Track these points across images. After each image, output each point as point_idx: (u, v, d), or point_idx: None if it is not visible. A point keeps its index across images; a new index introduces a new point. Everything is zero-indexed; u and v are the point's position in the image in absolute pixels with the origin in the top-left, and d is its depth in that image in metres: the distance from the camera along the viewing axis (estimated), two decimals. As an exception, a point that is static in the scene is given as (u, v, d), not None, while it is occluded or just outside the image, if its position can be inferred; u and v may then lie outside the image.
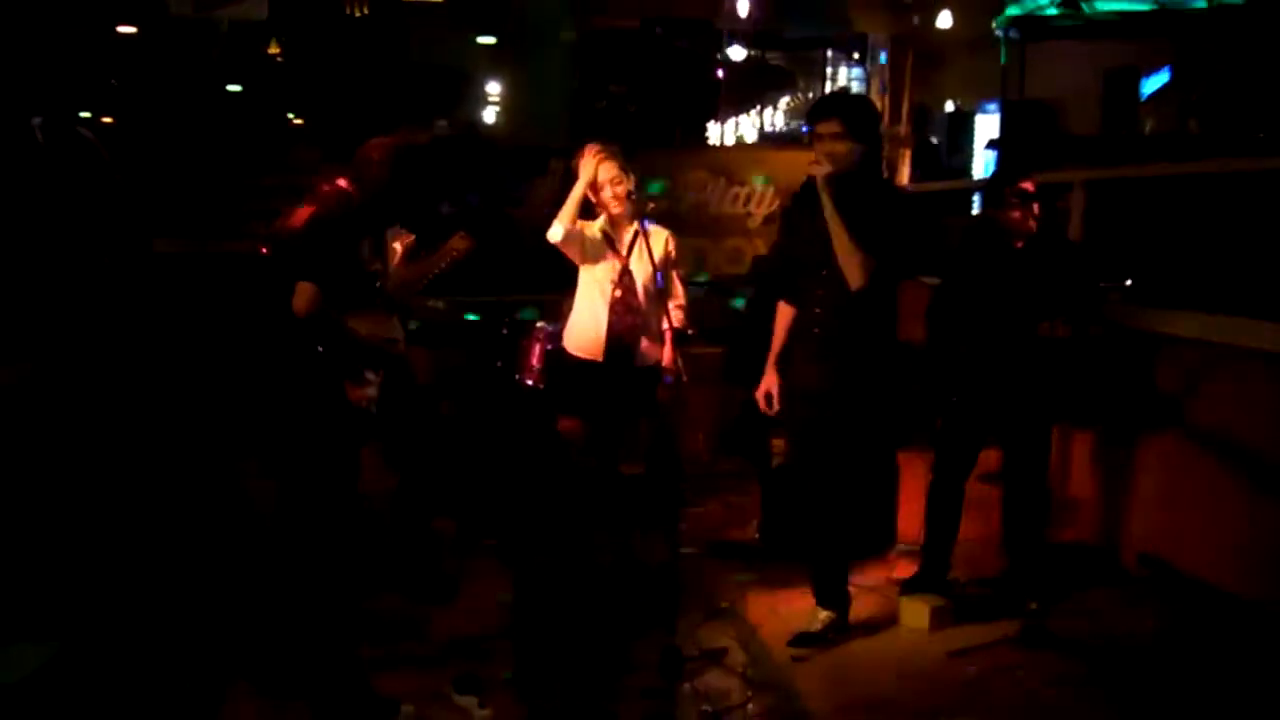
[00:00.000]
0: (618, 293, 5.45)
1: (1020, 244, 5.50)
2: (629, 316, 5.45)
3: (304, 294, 4.39)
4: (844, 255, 4.77)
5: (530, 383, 6.31)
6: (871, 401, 4.95)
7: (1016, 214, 5.45)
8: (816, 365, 4.99)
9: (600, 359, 5.45)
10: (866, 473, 5.10)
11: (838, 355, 4.92)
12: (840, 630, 5.16)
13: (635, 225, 5.38)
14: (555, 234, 5.36)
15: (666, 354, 5.43)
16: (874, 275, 4.79)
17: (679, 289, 5.62)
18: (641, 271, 5.42)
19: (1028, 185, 5.50)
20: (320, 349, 4.36)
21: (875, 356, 4.92)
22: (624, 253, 5.45)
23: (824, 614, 5.14)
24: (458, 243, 5.45)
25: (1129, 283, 5.67)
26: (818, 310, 4.99)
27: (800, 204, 5.15)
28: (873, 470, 5.16)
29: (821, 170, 4.77)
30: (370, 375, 4.56)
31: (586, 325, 5.52)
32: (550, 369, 5.87)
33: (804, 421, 5.12)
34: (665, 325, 5.34)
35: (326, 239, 4.48)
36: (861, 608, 5.40)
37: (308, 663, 4.40)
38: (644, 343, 5.48)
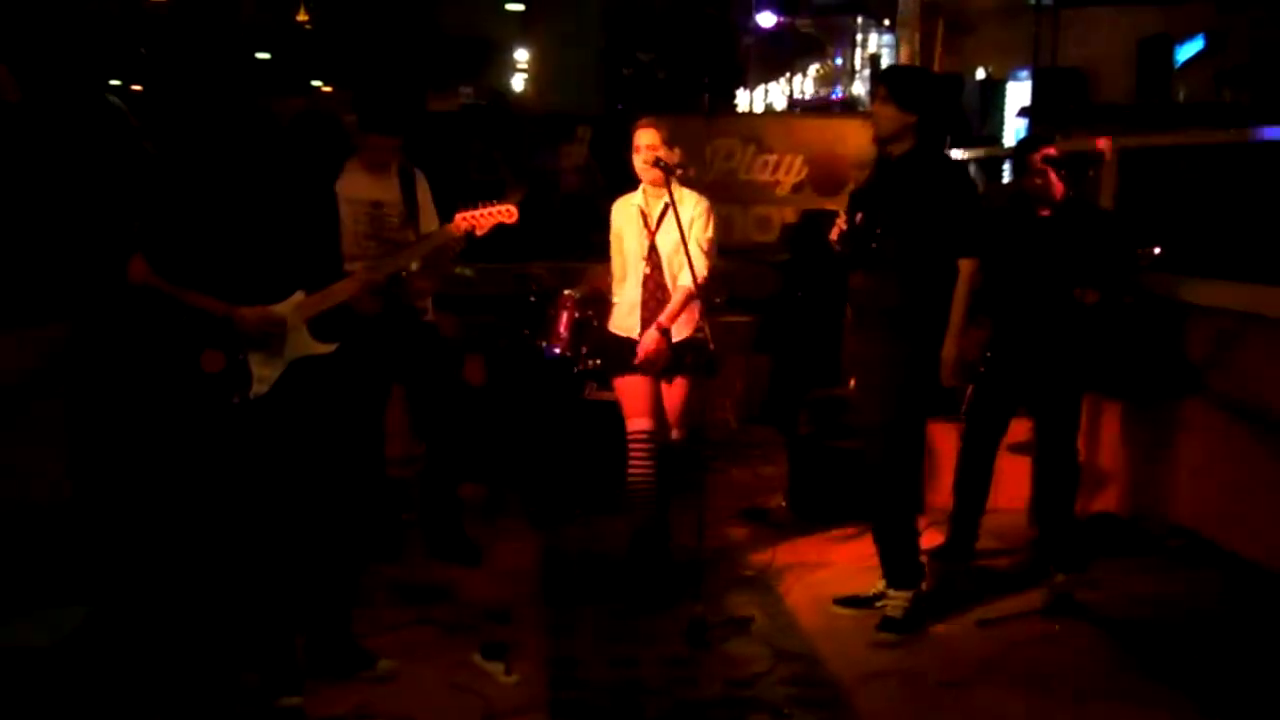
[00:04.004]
0: (647, 269, 5.37)
1: (1048, 213, 5.47)
2: (660, 292, 5.37)
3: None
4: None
5: (558, 350, 6.30)
6: (915, 371, 4.88)
7: (1039, 180, 5.42)
8: (863, 334, 4.98)
9: (636, 337, 5.36)
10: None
11: (883, 327, 4.88)
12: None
13: (665, 198, 5.32)
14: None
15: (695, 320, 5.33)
16: (931, 256, 4.76)
17: (699, 257, 5.44)
18: (667, 245, 5.34)
19: (1050, 150, 5.45)
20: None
21: (925, 328, 4.84)
22: (653, 228, 5.37)
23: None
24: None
25: (1158, 251, 5.62)
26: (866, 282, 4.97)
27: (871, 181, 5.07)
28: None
29: None
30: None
31: (624, 303, 5.46)
32: (596, 346, 5.75)
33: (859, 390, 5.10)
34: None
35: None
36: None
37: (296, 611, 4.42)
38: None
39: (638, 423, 5.37)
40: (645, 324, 5.35)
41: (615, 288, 5.56)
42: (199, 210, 4.16)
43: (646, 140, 5.26)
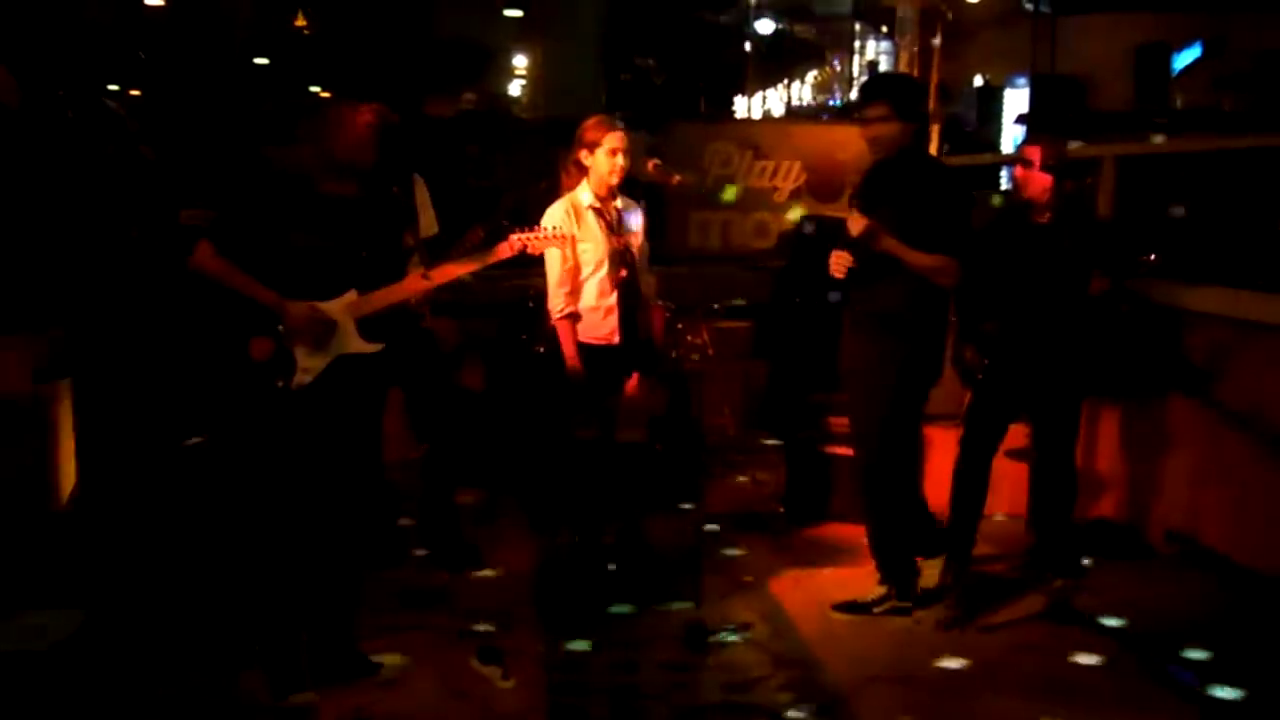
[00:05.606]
0: (623, 273, 5.26)
1: (1046, 219, 5.46)
2: (633, 287, 5.30)
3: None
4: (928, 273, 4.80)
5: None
6: (914, 376, 4.93)
7: (1018, 172, 5.43)
8: (858, 337, 5.01)
9: (616, 342, 5.30)
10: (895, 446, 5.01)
11: (877, 330, 4.92)
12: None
13: (618, 200, 5.29)
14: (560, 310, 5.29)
15: (656, 323, 5.30)
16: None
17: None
18: (635, 248, 5.32)
19: (1029, 151, 5.44)
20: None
21: (920, 330, 4.89)
22: (620, 232, 5.26)
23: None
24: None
25: (1153, 257, 5.61)
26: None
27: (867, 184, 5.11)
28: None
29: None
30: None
31: (598, 310, 5.31)
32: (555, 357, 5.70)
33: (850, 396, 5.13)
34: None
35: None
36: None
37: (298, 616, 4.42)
38: (642, 316, 5.37)
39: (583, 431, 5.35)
40: (623, 326, 5.27)
41: (565, 298, 5.29)
42: (271, 206, 4.20)
43: (624, 144, 5.19)
